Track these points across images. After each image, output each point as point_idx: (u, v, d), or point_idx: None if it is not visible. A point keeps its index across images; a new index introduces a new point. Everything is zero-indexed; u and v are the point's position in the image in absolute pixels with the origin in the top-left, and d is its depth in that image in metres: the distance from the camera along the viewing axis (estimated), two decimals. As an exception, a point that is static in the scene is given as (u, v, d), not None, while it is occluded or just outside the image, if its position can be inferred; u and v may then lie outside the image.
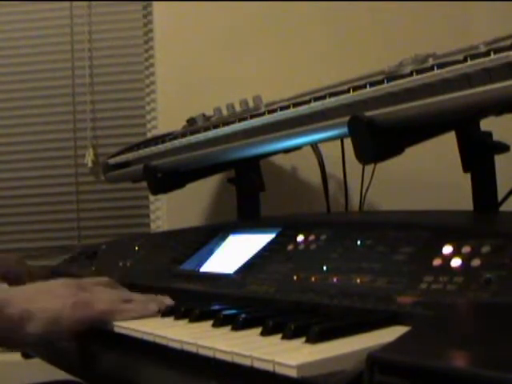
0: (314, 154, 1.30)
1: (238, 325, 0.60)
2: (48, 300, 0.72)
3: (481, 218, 0.82)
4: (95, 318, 0.72)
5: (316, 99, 0.83)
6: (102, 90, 1.64)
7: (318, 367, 0.46)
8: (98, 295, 0.75)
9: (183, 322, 0.68)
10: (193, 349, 0.57)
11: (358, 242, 0.70)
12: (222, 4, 1.51)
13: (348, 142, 0.79)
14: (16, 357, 1.25)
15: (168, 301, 0.77)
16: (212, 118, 1.18)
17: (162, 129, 1.51)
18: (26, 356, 1.20)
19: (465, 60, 0.66)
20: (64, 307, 0.71)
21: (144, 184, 1.21)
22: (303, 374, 0.45)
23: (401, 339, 0.43)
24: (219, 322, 0.63)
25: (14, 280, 1.11)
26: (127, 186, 1.50)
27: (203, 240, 0.98)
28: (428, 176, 1.36)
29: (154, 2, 1.59)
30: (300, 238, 0.79)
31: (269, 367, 0.47)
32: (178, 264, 0.94)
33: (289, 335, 0.54)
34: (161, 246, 1.10)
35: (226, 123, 0.99)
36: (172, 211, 1.52)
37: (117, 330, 0.71)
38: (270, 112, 0.91)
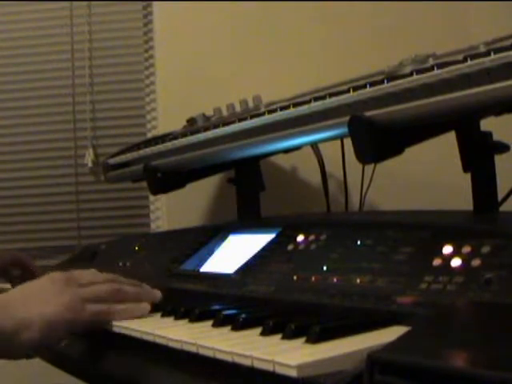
0: (313, 154, 1.30)
1: (238, 325, 0.60)
2: (41, 304, 0.70)
3: (481, 218, 0.82)
4: (87, 321, 0.71)
5: (316, 99, 0.83)
6: (102, 89, 1.64)
7: (318, 367, 0.46)
8: (88, 292, 0.73)
9: (183, 322, 0.68)
10: (193, 349, 0.57)
11: (358, 242, 0.70)
12: (221, 4, 1.51)
13: (348, 141, 0.79)
14: (16, 357, 1.25)
15: (158, 294, 0.77)
16: (212, 117, 1.18)
17: (161, 129, 1.51)
18: (26, 356, 1.20)
19: (465, 60, 0.66)
20: (58, 309, 0.69)
21: (144, 184, 1.21)
22: (303, 374, 0.45)
23: (401, 339, 0.43)
24: (219, 322, 0.63)
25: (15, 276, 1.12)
26: (127, 185, 1.49)
27: (203, 240, 0.98)
28: (428, 176, 1.36)
29: (154, 2, 1.59)
30: (300, 237, 0.79)
31: (269, 367, 0.47)
32: (178, 264, 0.94)
33: (289, 335, 0.54)
34: (161, 246, 1.10)
35: (226, 123, 0.99)
36: (172, 211, 1.52)
37: (117, 330, 0.71)
38: (269, 112, 0.91)
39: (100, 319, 0.72)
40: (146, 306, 0.74)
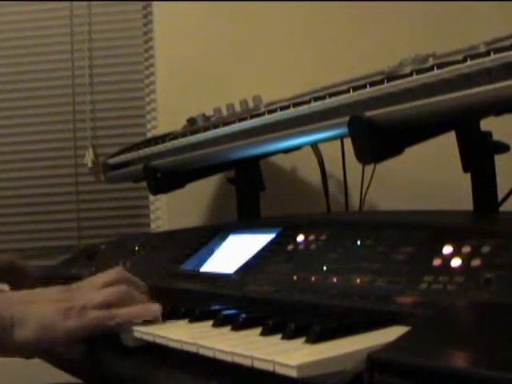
0: (314, 154, 1.30)
1: (238, 325, 0.60)
2: (41, 306, 0.69)
3: (481, 218, 0.82)
4: (89, 327, 0.69)
5: (316, 99, 0.83)
6: (101, 90, 1.64)
7: (318, 367, 0.46)
8: (93, 296, 0.71)
9: (183, 322, 0.68)
10: (193, 349, 0.57)
11: (358, 242, 0.70)
12: (222, 4, 1.51)
13: (348, 141, 0.79)
14: (16, 357, 1.25)
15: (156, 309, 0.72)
16: (212, 117, 1.18)
17: (161, 129, 1.51)
18: (25, 356, 1.20)
19: (465, 60, 0.66)
20: (58, 314, 0.67)
21: (144, 184, 1.21)
22: (303, 374, 0.45)
23: (401, 339, 0.43)
24: (219, 322, 0.63)
25: (12, 281, 1.11)
26: (127, 185, 1.49)
27: (203, 240, 0.98)
28: (428, 176, 1.36)
29: (154, 2, 1.59)
30: (300, 237, 0.78)
31: (269, 367, 0.47)
32: (178, 264, 0.94)
33: (289, 335, 0.54)
34: (161, 246, 1.10)
35: (226, 123, 0.99)
36: (172, 211, 1.52)
37: (117, 330, 0.71)
38: (269, 112, 0.90)
39: (101, 325, 0.70)
40: (157, 308, 0.71)
